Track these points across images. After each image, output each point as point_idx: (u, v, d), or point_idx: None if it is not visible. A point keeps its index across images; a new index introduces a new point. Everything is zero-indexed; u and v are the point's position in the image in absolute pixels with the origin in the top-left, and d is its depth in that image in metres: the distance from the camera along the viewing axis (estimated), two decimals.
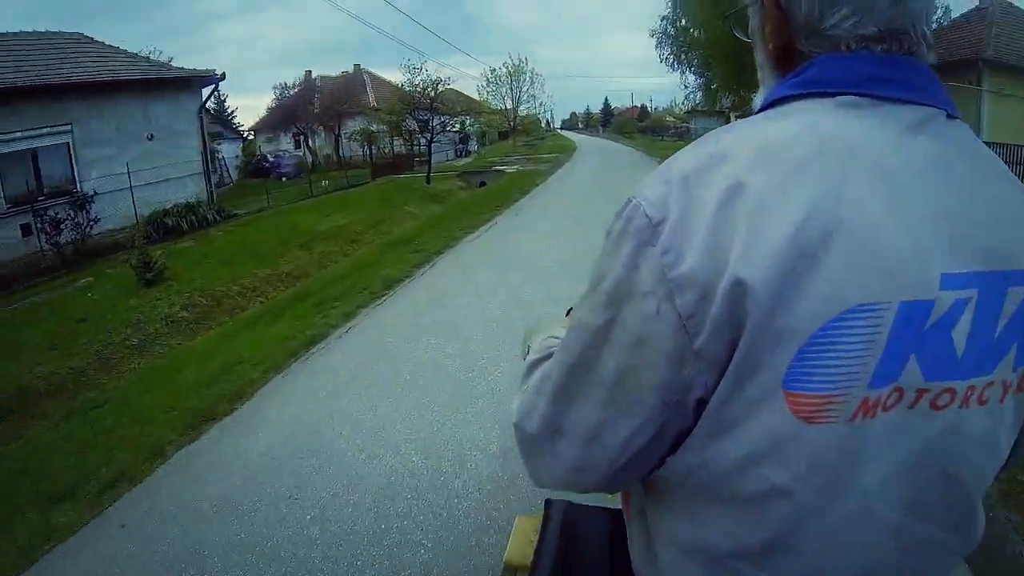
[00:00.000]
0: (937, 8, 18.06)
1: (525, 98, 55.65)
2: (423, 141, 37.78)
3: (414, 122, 27.19)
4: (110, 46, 19.94)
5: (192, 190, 19.61)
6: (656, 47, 27.30)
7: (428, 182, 24.06)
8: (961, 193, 0.73)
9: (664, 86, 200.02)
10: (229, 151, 38.66)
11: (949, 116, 0.77)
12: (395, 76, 29.08)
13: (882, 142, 0.72)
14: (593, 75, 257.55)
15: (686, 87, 28.22)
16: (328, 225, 17.26)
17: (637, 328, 0.73)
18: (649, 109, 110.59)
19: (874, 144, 0.72)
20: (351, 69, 47.19)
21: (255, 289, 12.64)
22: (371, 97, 43.86)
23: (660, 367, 0.72)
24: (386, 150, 35.62)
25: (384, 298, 8.48)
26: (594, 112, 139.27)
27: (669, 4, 26.06)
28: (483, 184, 25.52)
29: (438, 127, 28.16)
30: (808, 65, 0.79)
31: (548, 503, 1.30)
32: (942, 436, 0.73)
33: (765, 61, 0.89)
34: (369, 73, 47.06)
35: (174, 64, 23.11)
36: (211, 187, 21.12)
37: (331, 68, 48.90)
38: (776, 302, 0.65)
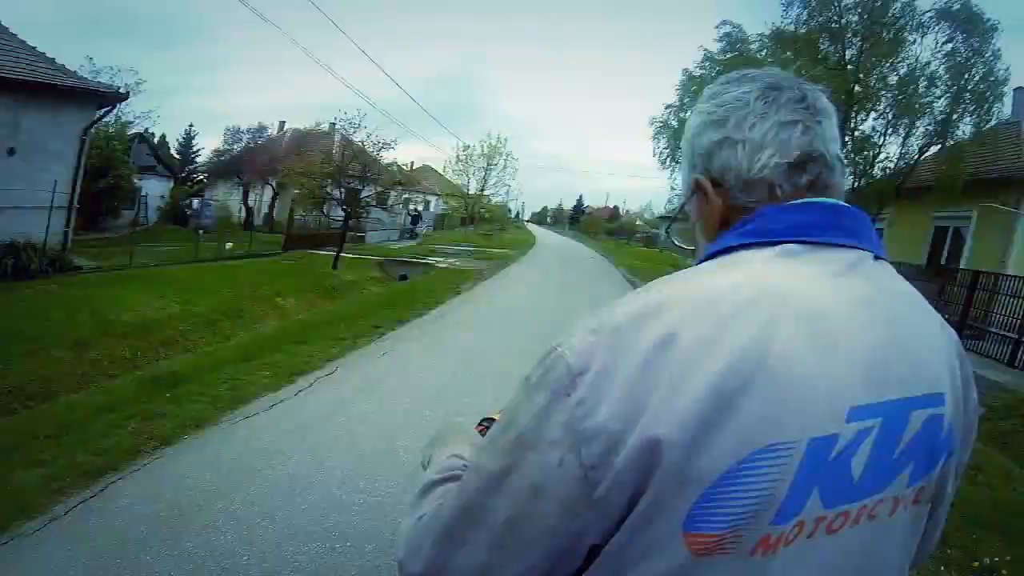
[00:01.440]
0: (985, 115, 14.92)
1: (494, 183, 49.60)
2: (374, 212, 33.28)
3: (341, 190, 21.40)
4: (18, 39, 15.37)
5: (57, 226, 15.36)
6: (653, 137, 22.78)
7: (335, 266, 18.82)
8: (881, 330, 0.76)
9: (641, 190, 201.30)
10: (156, 189, 33.17)
11: (876, 257, 0.82)
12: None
13: (814, 286, 0.75)
14: (574, 171, 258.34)
15: (673, 188, 23.35)
16: (158, 310, 12.05)
17: (535, 477, 0.71)
18: (621, 211, 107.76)
19: (806, 289, 0.74)
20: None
21: None
22: (337, 158, 38.83)
23: (554, 516, 0.70)
24: (323, 217, 30.25)
25: None
26: (565, 208, 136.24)
27: (678, 91, 21.72)
28: (403, 278, 20.27)
29: (370, 200, 22.80)
30: (750, 218, 0.82)
31: None
32: (835, 558, 0.73)
33: (705, 235, 0.90)
34: (343, 133, 42.00)
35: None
36: (69, 227, 16.46)
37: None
38: (685, 456, 0.65)
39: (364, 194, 21.54)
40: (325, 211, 22.98)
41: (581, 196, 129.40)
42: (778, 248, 0.78)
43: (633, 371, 0.68)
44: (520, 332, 10.31)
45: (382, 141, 22.32)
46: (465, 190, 47.54)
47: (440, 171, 52.76)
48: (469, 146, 48.84)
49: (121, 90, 16.47)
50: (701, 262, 0.84)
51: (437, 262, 22.78)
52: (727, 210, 0.86)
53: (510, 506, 0.73)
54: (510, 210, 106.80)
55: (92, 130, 16.85)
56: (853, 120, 16.40)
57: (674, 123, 21.90)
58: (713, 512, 0.66)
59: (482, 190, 47.86)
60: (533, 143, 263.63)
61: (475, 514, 0.75)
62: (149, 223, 30.16)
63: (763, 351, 0.68)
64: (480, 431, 1.15)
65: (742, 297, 0.72)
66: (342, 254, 22.54)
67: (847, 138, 16.38)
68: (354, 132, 22.26)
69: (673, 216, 1.03)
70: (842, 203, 0.83)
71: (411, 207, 44.74)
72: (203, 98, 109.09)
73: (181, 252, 20.38)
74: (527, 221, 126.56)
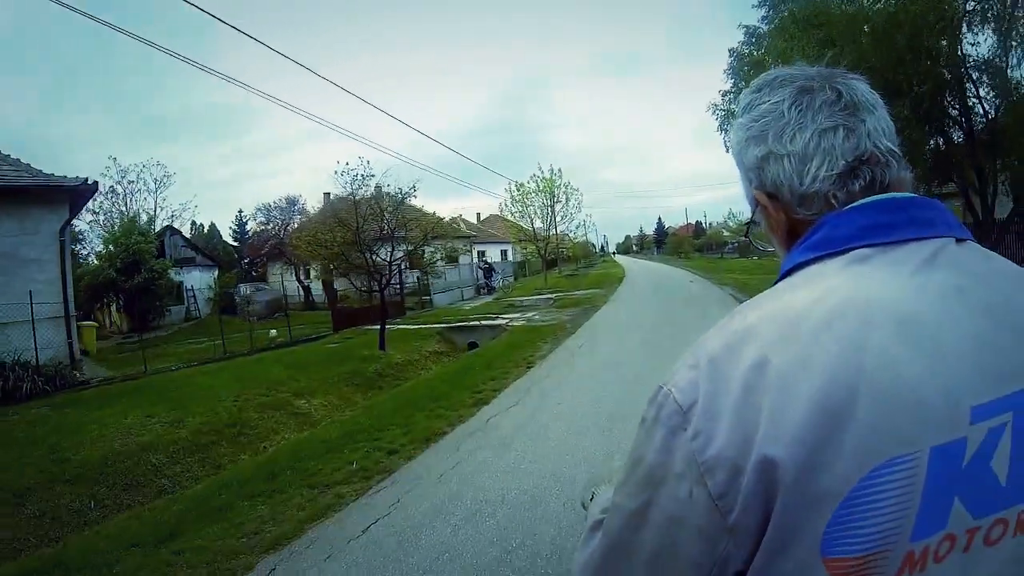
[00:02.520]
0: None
1: (560, 218, 42.41)
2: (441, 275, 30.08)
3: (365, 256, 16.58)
4: None
5: (58, 338, 13.76)
6: (719, 129, 19.15)
7: (382, 347, 15.12)
8: (982, 318, 0.72)
9: (718, 199, 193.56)
10: (202, 280, 31.59)
11: (958, 240, 0.78)
12: (434, 204, 20.41)
13: (896, 288, 0.73)
14: (646, 195, 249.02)
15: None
16: (135, 436, 9.13)
17: (671, 510, 0.73)
18: (704, 225, 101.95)
19: (889, 292, 0.72)
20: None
21: None
22: (386, 223, 36.34)
23: (696, 546, 0.71)
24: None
25: None
26: (648, 234, 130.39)
27: (729, 76, 18.45)
28: (472, 346, 16.54)
29: (408, 257, 19.07)
30: (814, 229, 0.81)
31: None
32: (1002, 572, 0.68)
33: (782, 249, 0.89)
34: (391, 196, 39.47)
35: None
36: (71, 338, 14.52)
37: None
38: (805, 473, 0.65)
39: (398, 255, 17.71)
40: (354, 282, 19.78)
41: (660, 218, 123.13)
42: (849, 256, 0.77)
43: (736, 398, 0.69)
44: (618, 431, 6.39)
45: (401, 191, 18.40)
46: (531, 231, 41.46)
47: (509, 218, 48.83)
48: (523, 185, 41.35)
49: (89, 181, 14.21)
50: (778, 281, 0.84)
51: (512, 320, 18.76)
52: (791, 221, 0.85)
53: (654, 541, 0.74)
54: (594, 245, 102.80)
55: (70, 230, 15.43)
56: (961, 43, 12.73)
57: (738, 110, 18.63)
58: (847, 534, 0.65)
59: (549, 228, 41.68)
60: (603, 174, 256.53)
61: (622, 551, 0.78)
62: (200, 316, 28.45)
63: (858, 364, 0.67)
64: None
65: (824, 312, 0.71)
66: (402, 326, 19.46)
67: (965, 68, 12.95)
68: (362, 186, 17.94)
69: (745, 231, 1.02)
70: (904, 195, 0.80)
71: (482, 260, 41.66)
72: (261, 183, 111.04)
73: (211, 348, 17.78)
74: (613, 253, 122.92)
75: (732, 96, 18.99)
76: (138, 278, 24.75)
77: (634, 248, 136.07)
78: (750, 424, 0.67)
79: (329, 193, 39.25)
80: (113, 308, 27.48)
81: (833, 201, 0.80)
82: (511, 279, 43.13)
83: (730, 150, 0.95)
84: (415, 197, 18.48)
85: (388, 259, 16.78)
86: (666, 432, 0.73)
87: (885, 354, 0.67)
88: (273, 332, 19.70)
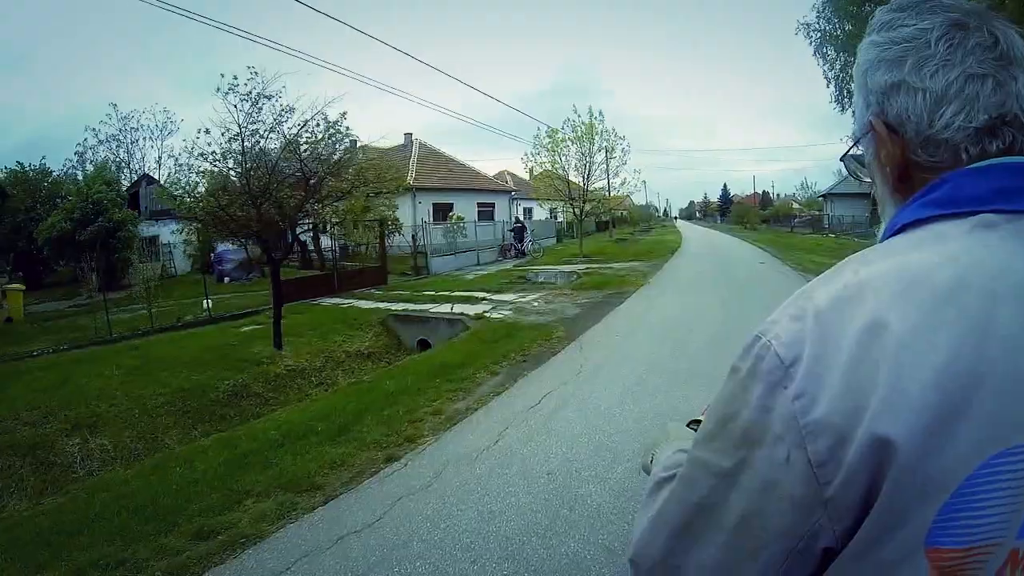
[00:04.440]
0: None
1: (603, 172, 31.95)
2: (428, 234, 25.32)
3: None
4: None
5: None
6: (814, 54, 16.58)
7: (278, 344, 10.03)
8: None
9: (788, 171, 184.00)
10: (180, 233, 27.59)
11: None
12: (469, 156, 14.25)
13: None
14: (711, 162, 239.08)
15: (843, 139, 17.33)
16: None
17: (766, 473, 0.65)
18: (771, 195, 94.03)
19: (1018, 267, 0.64)
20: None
21: None
22: (411, 174, 31.65)
23: (787, 514, 0.64)
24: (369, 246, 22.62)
25: None
26: (712, 200, 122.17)
27: None
28: (423, 346, 11.30)
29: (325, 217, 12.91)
30: (937, 184, 0.72)
31: None
32: None
33: (886, 188, 0.79)
34: (424, 145, 34.81)
35: None
36: None
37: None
38: (920, 458, 0.58)
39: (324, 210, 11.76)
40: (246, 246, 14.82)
41: (725, 184, 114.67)
42: (974, 219, 0.68)
43: (846, 362, 0.61)
44: None
45: (333, 125, 11.18)
46: (565, 188, 30.86)
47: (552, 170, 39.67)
48: (555, 131, 30.20)
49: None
50: (889, 235, 0.75)
51: (492, 308, 12.79)
52: (905, 162, 0.75)
53: (744, 504, 0.66)
54: (656, 208, 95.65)
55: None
56: None
57: (845, 27, 15.72)
58: (956, 524, 0.59)
59: (588, 183, 30.99)
60: (667, 142, 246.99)
61: (709, 511, 0.69)
62: (177, 273, 24.47)
63: (984, 344, 0.59)
64: (694, 431, 1.01)
65: (948, 279, 0.63)
66: (358, 303, 14.68)
67: None
68: (256, 112, 10.39)
69: (847, 152, 0.87)
70: None
71: (517, 218, 36.38)
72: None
73: (140, 320, 13.70)
74: (675, 218, 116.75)
75: (830, 7, 16.08)
76: (91, 228, 20.82)
77: (697, 215, 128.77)
78: (861, 393, 0.60)
79: (355, 140, 35.02)
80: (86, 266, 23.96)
81: (964, 156, 0.70)
82: (550, 241, 37.84)
83: (853, 68, 0.79)
84: (342, 128, 11.44)
85: (316, 219, 11.64)
86: (765, 388, 0.65)
87: (1011, 333, 0.59)
88: (207, 304, 15.30)
